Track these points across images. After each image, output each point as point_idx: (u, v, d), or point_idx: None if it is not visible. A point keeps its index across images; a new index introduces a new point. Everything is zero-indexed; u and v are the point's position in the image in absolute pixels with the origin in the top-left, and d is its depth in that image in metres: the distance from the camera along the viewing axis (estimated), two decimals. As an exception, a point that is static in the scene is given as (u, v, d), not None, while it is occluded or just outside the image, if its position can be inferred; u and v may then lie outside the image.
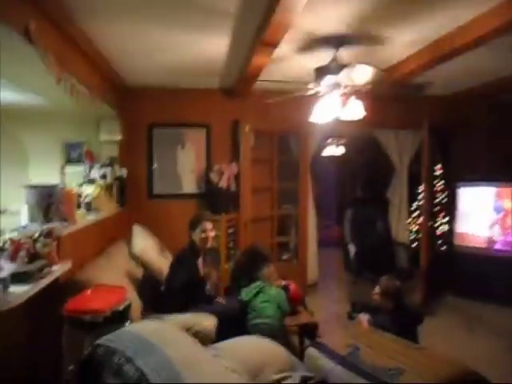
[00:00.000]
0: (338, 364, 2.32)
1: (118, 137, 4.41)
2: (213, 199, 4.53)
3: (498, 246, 4.70)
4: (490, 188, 4.89)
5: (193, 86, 4.63)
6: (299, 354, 2.97)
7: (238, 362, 1.98)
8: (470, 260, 4.69)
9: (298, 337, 3.19)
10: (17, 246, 2.28)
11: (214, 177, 4.54)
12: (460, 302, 4.46)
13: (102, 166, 4.27)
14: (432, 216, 5.10)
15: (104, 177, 4.13)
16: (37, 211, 2.57)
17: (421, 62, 3.37)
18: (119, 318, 2.23)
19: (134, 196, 4.62)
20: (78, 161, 4.61)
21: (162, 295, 3.11)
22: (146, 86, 4.57)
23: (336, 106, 3.13)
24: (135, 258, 3.48)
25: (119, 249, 3.54)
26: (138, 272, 3.33)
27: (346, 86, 3.07)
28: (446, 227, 5.27)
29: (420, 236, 5.13)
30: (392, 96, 4.72)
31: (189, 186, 4.79)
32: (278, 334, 2.78)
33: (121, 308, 2.26)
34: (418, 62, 3.40)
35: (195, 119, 4.78)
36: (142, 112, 4.65)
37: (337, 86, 3.07)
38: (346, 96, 3.16)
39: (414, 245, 4.93)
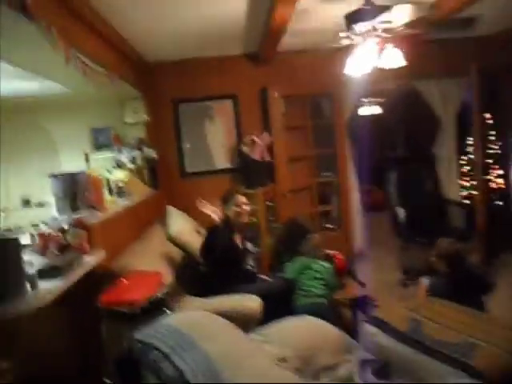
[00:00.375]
0: (399, 341, 2.10)
1: (144, 117, 4.26)
2: (247, 173, 4.32)
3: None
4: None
5: (215, 53, 4.37)
6: (353, 330, 2.78)
7: (288, 347, 1.80)
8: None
9: (351, 311, 2.98)
10: (45, 239, 2.17)
11: (246, 149, 4.31)
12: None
13: (130, 150, 4.16)
14: (486, 169, 4.68)
15: (133, 160, 4.01)
16: (63, 201, 2.45)
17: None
18: (158, 306, 2.09)
19: (167, 177, 4.47)
20: (106, 146, 4.53)
21: (202, 276, 2.97)
22: (166, 60, 4.35)
23: (372, 55, 2.79)
24: (172, 240, 3.34)
25: (155, 233, 3.42)
26: (177, 255, 3.20)
27: (382, 32, 2.71)
28: (501, 181, 4.83)
29: (474, 192, 4.74)
30: (432, 40, 4.27)
31: (221, 161, 4.60)
32: (327, 312, 2.58)
33: (159, 296, 2.12)
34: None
35: (221, 90, 4.53)
36: (166, 88, 4.45)
37: (372, 32, 2.73)
38: (383, 43, 2.80)
39: (468, 202, 4.53)
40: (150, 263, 2.65)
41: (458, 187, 4.85)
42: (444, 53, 4.53)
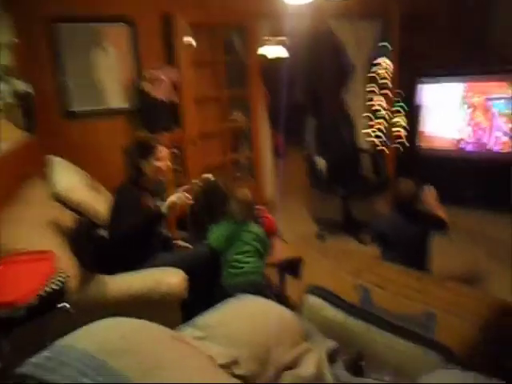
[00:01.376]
0: (350, 315, 1.86)
1: (9, 38, 3.24)
2: (149, 114, 3.65)
3: (468, 147, 4.43)
4: (455, 84, 4.47)
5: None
6: (283, 297, 2.52)
7: (236, 344, 1.42)
8: (436, 163, 4.40)
9: (278, 275, 2.70)
10: None
11: (147, 86, 3.61)
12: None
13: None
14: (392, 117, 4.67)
15: None
16: None
17: None
18: (51, 301, 1.52)
19: (46, 118, 3.58)
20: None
21: (105, 245, 2.39)
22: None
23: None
24: (60, 199, 2.64)
25: (34, 191, 2.68)
26: (67, 219, 2.54)
27: None
28: (401, 128, 4.90)
29: (376, 140, 4.73)
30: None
31: (115, 99, 3.82)
32: (265, 288, 2.25)
33: (51, 287, 1.54)
34: None
35: (114, 11, 3.66)
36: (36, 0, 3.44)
37: None
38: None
39: (381, 150, 4.50)
40: (31, 236, 2.00)
41: (366, 135, 4.80)
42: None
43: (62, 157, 3.10)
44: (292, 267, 2.61)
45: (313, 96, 5.95)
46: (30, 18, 3.41)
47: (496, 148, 4.27)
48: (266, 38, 5.65)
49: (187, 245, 2.54)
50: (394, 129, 4.78)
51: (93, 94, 3.74)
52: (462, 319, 1.71)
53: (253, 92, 4.11)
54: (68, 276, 1.66)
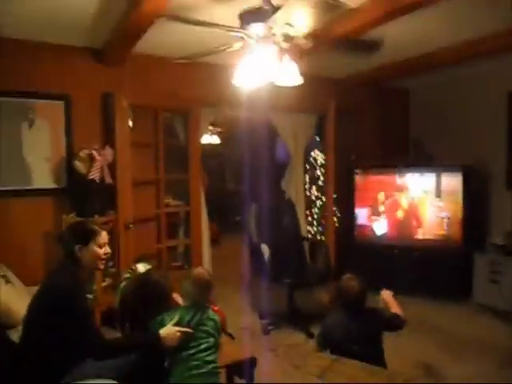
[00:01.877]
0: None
1: None
2: (80, 196, 3.33)
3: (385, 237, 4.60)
4: (376, 176, 4.75)
5: (49, 38, 3.35)
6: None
7: None
8: (370, 253, 4.48)
9: (226, 377, 2.34)
10: None
11: (80, 166, 3.34)
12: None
13: None
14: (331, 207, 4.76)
15: None
16: None
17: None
18: None
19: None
20: None
21: (17, 353, 1.93)
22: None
23: (270, 64, 2.35)
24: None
25: None
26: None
27: (281, 39, 2.31)
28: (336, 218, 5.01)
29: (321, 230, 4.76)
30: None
31: (42, 178, 3.47)
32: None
33: None
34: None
35: (50, 87, 3.47)
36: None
37: (269, 37, 2.31)
38: (280, 53, 2.40)
39: (323, 239, 4.49)
40: None
41: (306, 225, 4.82)
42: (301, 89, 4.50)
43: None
44: (242, 370, 2.29)
45: (251, 183, 5.98)
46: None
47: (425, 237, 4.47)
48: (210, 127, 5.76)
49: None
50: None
51: (15, 170, 3.38)
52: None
53: (192, 177, 3.98)
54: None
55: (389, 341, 2.35)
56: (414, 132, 5.37)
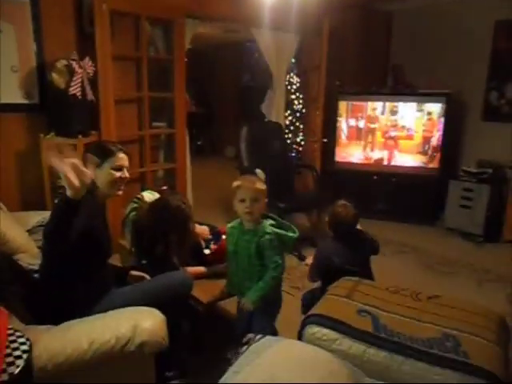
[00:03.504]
0: (369, 345, 1.65)
1: None
2: (60, 113, 2.98)
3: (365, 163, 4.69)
4: (358, 103, 4.71)
5: None
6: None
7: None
8: (349, 179, 4.57)
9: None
10: None
11: (58, 79, 2.94)
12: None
13: None
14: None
15: None
16: None
17: None
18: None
19: None
20: None
21: (37, 282, 1.77)
22: None
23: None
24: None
25: None
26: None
27: None
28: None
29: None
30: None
31: (10, 92, 3.04)
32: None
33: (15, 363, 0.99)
34: None
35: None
36: None
37: None
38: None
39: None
40: None
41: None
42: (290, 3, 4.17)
43: None
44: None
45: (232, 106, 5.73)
46: None
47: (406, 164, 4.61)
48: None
49: (143, 274, 2.03)
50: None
51: (-22, 83, 2.92)
52: (484, 339, 1.63)
53: (177, 96, 3.69)
54: (28, 340, 1.11)
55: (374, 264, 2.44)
56: (395, 58, 5.29)
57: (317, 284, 2.44)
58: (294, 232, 1.97)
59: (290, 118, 5.15)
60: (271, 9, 3.80)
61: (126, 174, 1.92)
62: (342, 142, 4.73)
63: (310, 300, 2.33)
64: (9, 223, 2.27)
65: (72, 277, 1.69)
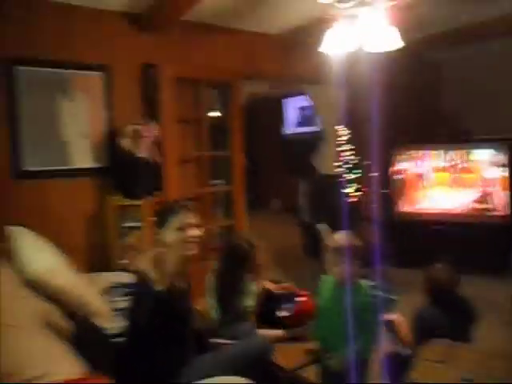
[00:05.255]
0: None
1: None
2: (127, 176, 3.07)
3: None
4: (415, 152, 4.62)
5: (86, 3, 3.01)
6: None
7: None
8: (411, 228, 4.39)
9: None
10: None
11: (127, 143, 3.07)
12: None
13: None
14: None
15: None
16: None
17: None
18: None
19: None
20: None
21: (121, 349, 1.73)
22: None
23: (362, 31, 2.13)
24: (39, 285, 1.94)
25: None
26: (58, 317, 1.84)
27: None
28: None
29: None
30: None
31: (82, 157, 3.18)
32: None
33: None
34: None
35: (88, 57, 3.15)
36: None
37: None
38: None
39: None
40: (39, 348, 1.32)
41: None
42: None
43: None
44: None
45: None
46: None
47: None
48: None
49: (226, 341, 1.95)
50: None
51: (52, 149, 3.08)
52: None
53: (235, 154, 3.76)
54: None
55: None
56: (448, 106, 5.22)
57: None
58: (395, 294, 1.87)
59: (340, 169, 5.11)
60: (322, 65, 3.88)
61: (196, 232, 1.87)
62: (402, 192, 4.60)
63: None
64: (84, 285, 2.28)
65: (158, 347, 1.64)
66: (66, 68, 3.09)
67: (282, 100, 8.09)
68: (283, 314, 2.24)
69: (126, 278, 2.83)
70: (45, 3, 2.94)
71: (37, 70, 3.00)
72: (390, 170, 4.56)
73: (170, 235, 1.81)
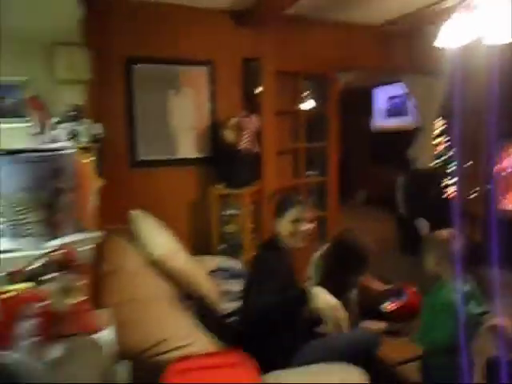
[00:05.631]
0: None
1: (85, 75, 2.85)
2: (230, 166, 3.23)
3: None
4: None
5: (191, 2, 3.19)
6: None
7: None
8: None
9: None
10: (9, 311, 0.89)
11: (229, 134, 3.22)
12: None
13: (63, 121, 2.73)
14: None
15: (74, 137, 2.61)
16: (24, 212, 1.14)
17: None
18: None
19: (112, 164, 3.12)
20: (13, 111, 2.96)
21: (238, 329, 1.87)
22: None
23: (482, 21, 2.02)
24: (160, 266, 2.14)
25: (125, 254, 2.16)
26: (175, 294, 2.02)
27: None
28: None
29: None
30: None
31: (187, 148, 3.41)
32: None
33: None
34: None
35: (193, 53, 3.34)
36: (117, 37, 3.10)
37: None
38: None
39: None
40: (180, 325, 1.48)
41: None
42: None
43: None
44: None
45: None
46: (106, 54, 3.05)
47: None
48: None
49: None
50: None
51: (162, 140, 3.33)
52: None
53: (331, 145, 3.76)
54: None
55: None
56: None
57: None
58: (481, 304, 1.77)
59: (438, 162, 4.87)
60: (426, 55, 3.72)
61: (306, 227, 1.95)
62: (508, 189, 4.28)
63: None
64: (195, 268, 2.46)
65: (277, 328, 1.74)
66: (175, 64, 3.31)
67: (372, 89, 7.85)
68: (388, 307, 2.24)
69: (228, 262, 3.02)
70: (159, 6, 3.16)
71: (150, 67, 3.24)
72: (497, 166, 4.25)
73: (284, 226, 1.90)
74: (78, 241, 1.21)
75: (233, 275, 2.80)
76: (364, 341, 1.88)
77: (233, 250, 3.25)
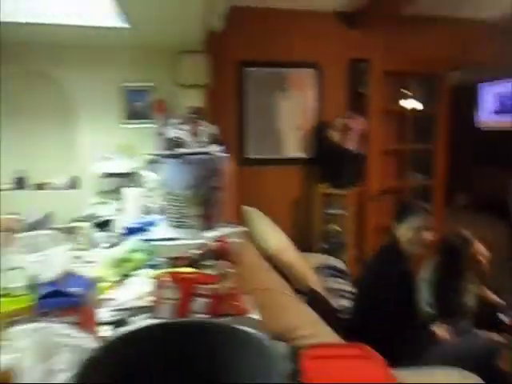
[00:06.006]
0: None
1: (205, 79, 3.10)
2: (335, 166, 3.28)
3: None
4: None
5: (299, 5, 3.29)
6: None
7: None
8: None
9: None
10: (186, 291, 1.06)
11: (335, 135, 3.28)
12: None
13: (184, 122, 2.99)
14: None
15: (216, 141, 2.86)
16: (183, 205, 1.33)
17: None
18: None
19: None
20: (142, 114, 3.31)
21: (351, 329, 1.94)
22: (240, 5, 3.20)
23: None
24: (274, 260, 2.27)
25: (245, 250, 2.32)
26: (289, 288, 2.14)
27: None
28: None
29: None
30: None
31: (294, 147, 3.53)
32: None
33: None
34: None
35: (301, 56, 3.45)
36: (232, 43, 3.31)
37: None
38: None
39: None
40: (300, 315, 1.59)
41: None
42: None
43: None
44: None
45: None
46: (221, 60, 3.26)
47: None
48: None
49: (446, 334, 2.00)
50: None
51: (270, 140, 3.49)
52: None
53: (439, 148, 3.64)
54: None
55: None
56: None
57: None
58: None
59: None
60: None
61: (429, 236, 1.95)
62: None
63: None
64: (304, 263, 2.56)
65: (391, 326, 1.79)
66: (284, 67, 3.44)
67: (476, 85, 7.33)
68: (505, 319, 2.16)
69: (331, 260, 3.08)
70: (269, 12, 3.31)
71: (261, 71, 3.41)
72: None
73: (405, 232, 1.93)
74: (229, 233, 1.37)
75: (336, 273, 2.87)
76: (483, 350, 1.83)
77: (334, 249, 3.30)
